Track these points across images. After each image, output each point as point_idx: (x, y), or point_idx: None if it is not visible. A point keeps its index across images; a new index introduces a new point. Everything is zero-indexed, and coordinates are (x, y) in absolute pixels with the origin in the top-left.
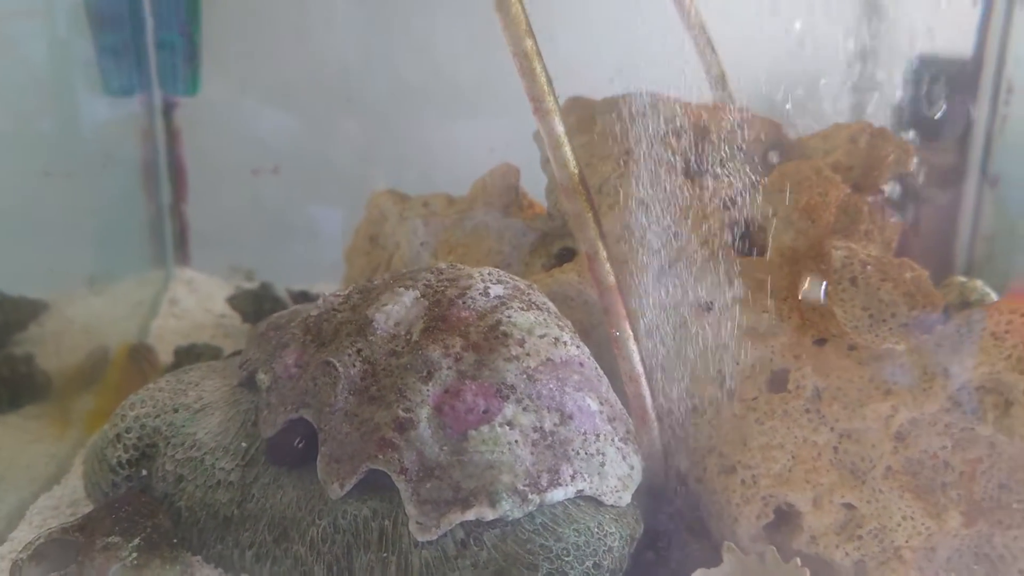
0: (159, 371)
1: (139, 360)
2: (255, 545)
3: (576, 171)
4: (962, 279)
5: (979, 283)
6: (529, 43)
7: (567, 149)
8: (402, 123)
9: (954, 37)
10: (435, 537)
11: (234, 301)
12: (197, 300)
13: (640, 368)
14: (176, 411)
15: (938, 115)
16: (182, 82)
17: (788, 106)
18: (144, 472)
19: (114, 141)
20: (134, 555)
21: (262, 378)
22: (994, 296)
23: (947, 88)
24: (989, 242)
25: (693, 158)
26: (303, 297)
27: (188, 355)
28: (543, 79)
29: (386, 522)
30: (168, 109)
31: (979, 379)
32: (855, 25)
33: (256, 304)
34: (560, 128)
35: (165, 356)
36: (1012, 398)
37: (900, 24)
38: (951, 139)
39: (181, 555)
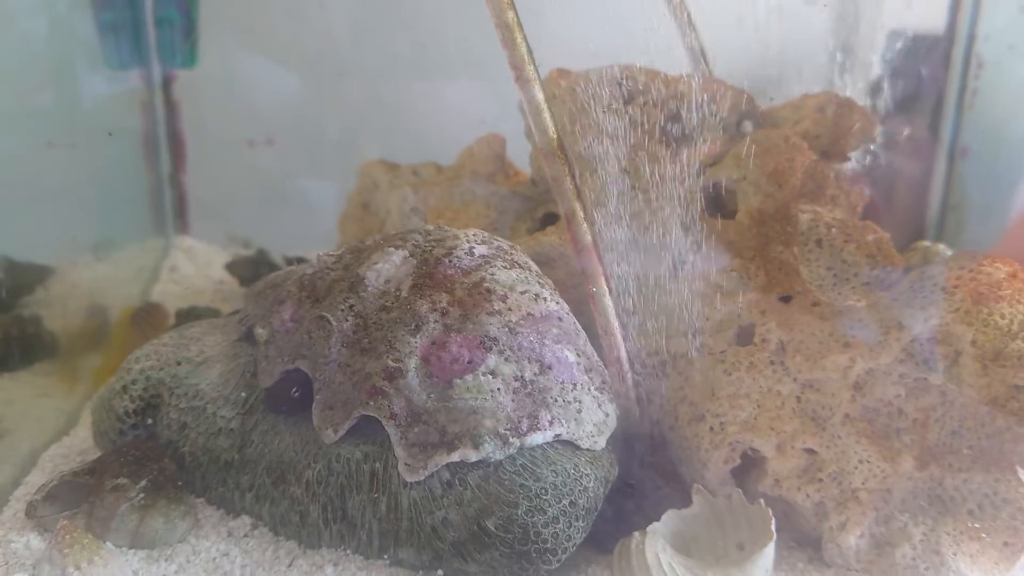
0: (165, 329)
1: (144, 319)
2: (254, 488)
3: (555, 136)
4: (927, 243)
5: (941, 247)
6: (510, 14)
7: (546, 115)
8: (393, 94)
9: (928, 13)
10: (422, 478)
11: (232, 267)
12: (196, 267)
13: (615, 322)
14: (179, 364)
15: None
16: (180, 56)
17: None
18: (150, 421)
19: (115, 114)
20: (141, 495)
21: (260, 332)
22: None
23: (920, 62)
24: (957, 212)
25: (670, 126)
26: (299, 263)
27: (188, 317)
28: (523, 49)
29: (377, 464)
30: (167, 82)
31: (930, 331)
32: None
33: (253, 270)
34: (540, 95)
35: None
36: (960, 348)
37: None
38: (923, 112)
39: (185, 497)
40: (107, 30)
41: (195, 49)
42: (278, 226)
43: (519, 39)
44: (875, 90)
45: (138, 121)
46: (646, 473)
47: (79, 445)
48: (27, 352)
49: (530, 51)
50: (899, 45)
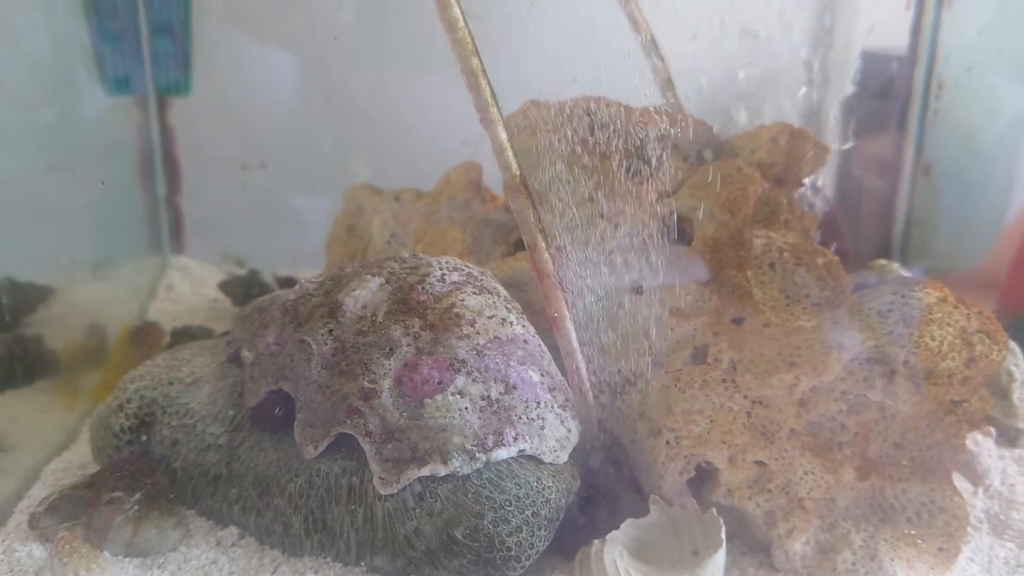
0: (162, 347)
1: (142, 338)
2: (241, 500)
3: (518, 172)
4: (883, 262)
5: (896, 265)
6: (475, 61)
7: (509, 153)
8: (381, 119)
9: (892, 35)
10: (396, 491)
11: (225, 286)
12: (191, 285)
13: (576, 344)
14: (171, 384)
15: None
16: (175, 84)
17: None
18: (144, 437)
19: (113, 138)
20: (135, 508)
21: (246, 355)
22: (909, 276)
23: (887, 82)
24: (921, 227)
25: (633, 155)
26: (289, 283)
27: (183, 336)
28: (487, 93)
29: (354, 478)
30: (162, 108)
31: (867, 352)
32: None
33: (245, 289)
34: (503, 135)
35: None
36: (895, 368)
37: (848, 23)
38: (889, 131)
39: (177, 508)
40: (105, 58)
41: (189, 77)
42: (272, 245)
43: (483, 84)
44: (847, 108)
45: (134, 145)
46: (607, 484)
47: (79, 459)
48: (29, 370)
49: (493, 94)
50: (869, 65)
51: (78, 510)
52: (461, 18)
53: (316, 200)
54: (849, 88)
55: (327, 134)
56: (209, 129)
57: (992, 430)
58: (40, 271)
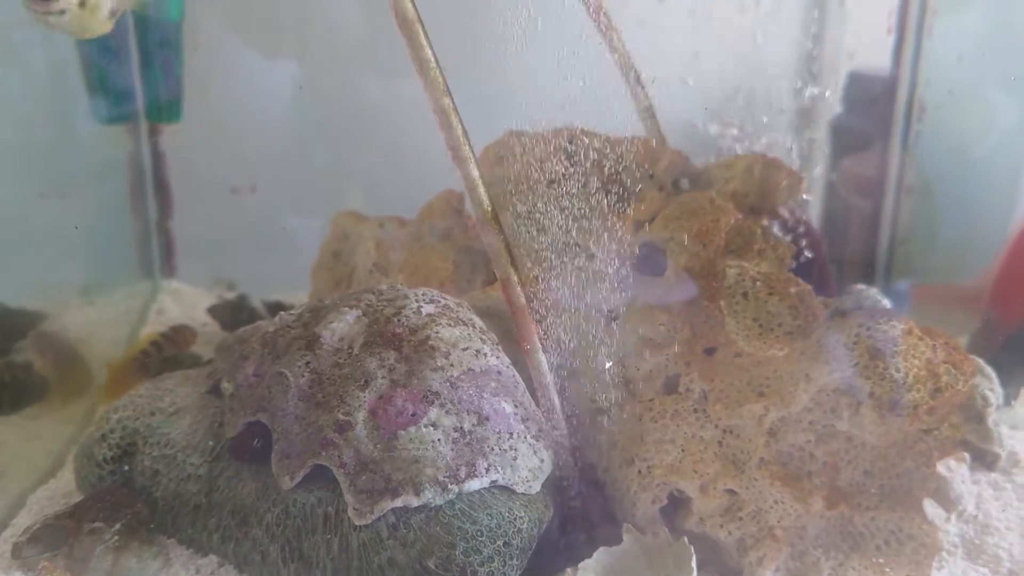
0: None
1: (174, 342)
2: (220, 529)
3: (490, 208)
4: (860, 286)
5: (873, 291)
6: (447, 101)
7: (481, 190)
8: (373, 142)
9: (875, 58)
10: (370, 521)
11: (214, 311)
12: (182, 309)
13: (548, 376)
14: (153, 414)
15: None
16: (165, 112)
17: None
18: (126, 467)
19: (104, 165)
20: (116, 538)
21: (226, 386)
22: (886, 303)
23: (873, 103)
24: (905, 246)
25: (610, 185)
26: (278, 307)
27: (171, 362)
28: (459, 131)
29: (329, 508)
30: (153, 134)
31: (834, 383)
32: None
33: (234, 314)
34: (475, 172)
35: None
36: (860, 399)
37: (834, 46)
38: (873, 151)
39: (157, 538)
40: (96, 87)
41: (180, 106)
42: (263, 268)
43: (455, 122)
44: (836, 129)
45: (125, 171)
46: (580, 513)
47: (64, 487)
48: (18, 397)
49: (465, 132)
50: (855, 85)
51: (60, 540)
52: (433, 59)
53: (307, 224)
54: (837, 108)
55: (318, 158)
56: (200, 154)
57: (966, 455)
58: (31, 296)
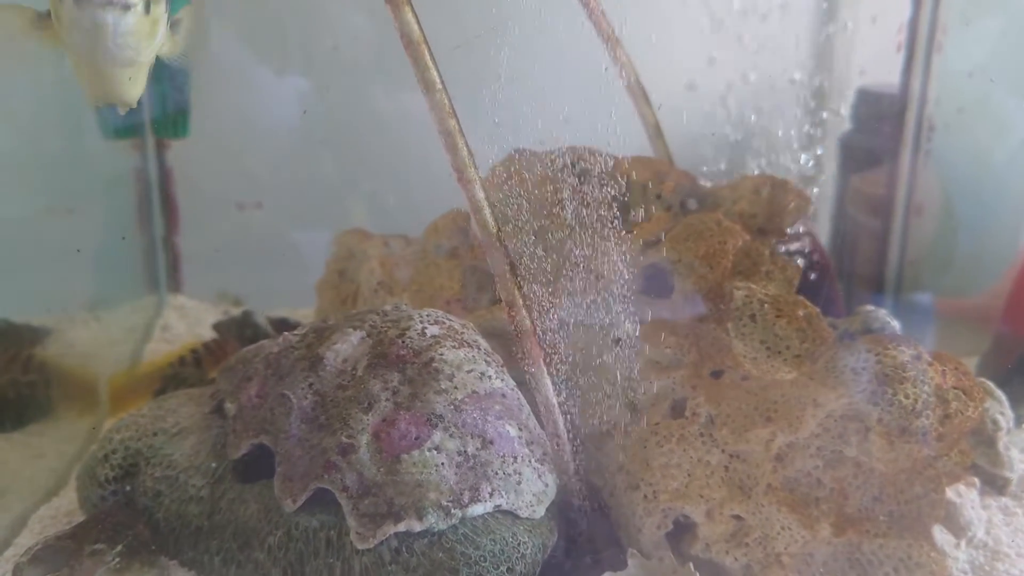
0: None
1: (212, 356)
2: (222, 552)
3: (495, 230)
4: (869, 308)
5: (882, 312)
6: (452, 123)
7: (487, 212)
8: (378, 158)
9: (885, 76)
10: (372, 545)
11: (219, 327)
12: (187, 325)
13: (553, 400)
14: (155, 435)
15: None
16: (172, 127)
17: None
18: (128, 487)
19: (110, 180)
20: (117, 560)
21: (229, 407)
22: (895, 325)
23: (881, 120)
24: (914, 266)
25: (617, 206)
26: (283, 323)
27: (175, 380)
28: (464, 153)
29: (332, 532)
30: (160, 150)
31: (841, 409)
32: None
33: (238, 330)
34: (481, 194)
35: None
36: (869, 425)
37: (844, 63)
38: (882, 171)
39: (158, 560)
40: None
41: (187, 121)
42: (269, 284)
43: (460, 144)
44: (845, 146)
45: (132, 186)
46: (586, 538)
47: (67, 506)
48: (22, 413)
49: (471, 154)
50: (864, 102)
51: (61, 561)
52: (439, 80)
53: (314, 239)
54: (846, 125)
55: (325, 174)
56: (207, 170)
57: (976, 480)
58: (37, 312)
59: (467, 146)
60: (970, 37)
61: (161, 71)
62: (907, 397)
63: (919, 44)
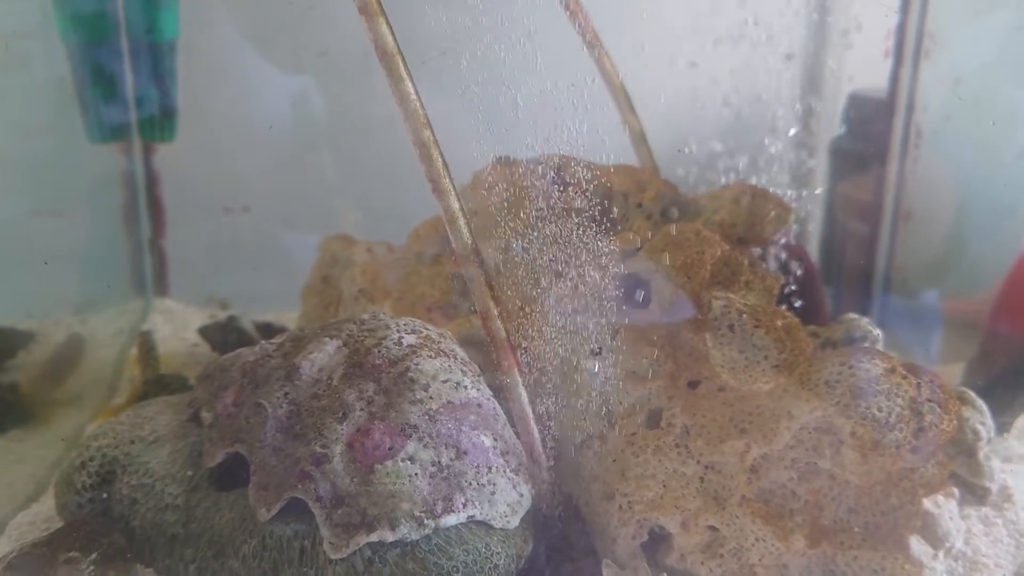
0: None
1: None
2: (197, 560)
3: (470, 241)
4: (852, 316)
5: (865, 321)
6: (427, 133)
7: (462, 223)
8: (366, 163)
9: (873, 81)
10: (345, 555)
11: (204, 332)
12: (173, 329)
13: (528, 410)
14: (133, 443)
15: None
16: (159, 131)
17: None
18: (105, 495)
19: (97, 183)
20: (91, 568)
21: (205, 415)
22: (877, 332)
23: (871, 124)
24: (902, 271)
25: (597, 215)
26: (268, 328)
27: (157, 384)
28: (439, 163)
29: (305, 542)
30: (147, 153)
31: (816, 421)
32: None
33: (223, 335)
34: (456, 205)
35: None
36: (842, 438)
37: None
38: (871, 176)
39: (133, 568)
40: (90, 106)
41: (174, 124)
42: (256, 288)
43: (435, 155)
44: (835, 150)
45: (119, 190)
46: (561, 547)
47: (46, 512)
48: (2, 419)
49: (445, 165)
50: (855, 107)
51: (37, 568)
52: (413, 91)
53: (302, 243)
54: (838, 129)
55: (312, 177)
56: (194, 173)
57: (955, 490)
58: (23, 315)
59: (442, 157)
60: (960, 43)
61: (147, 74)
62: (880, 410)
63: (907, 50)
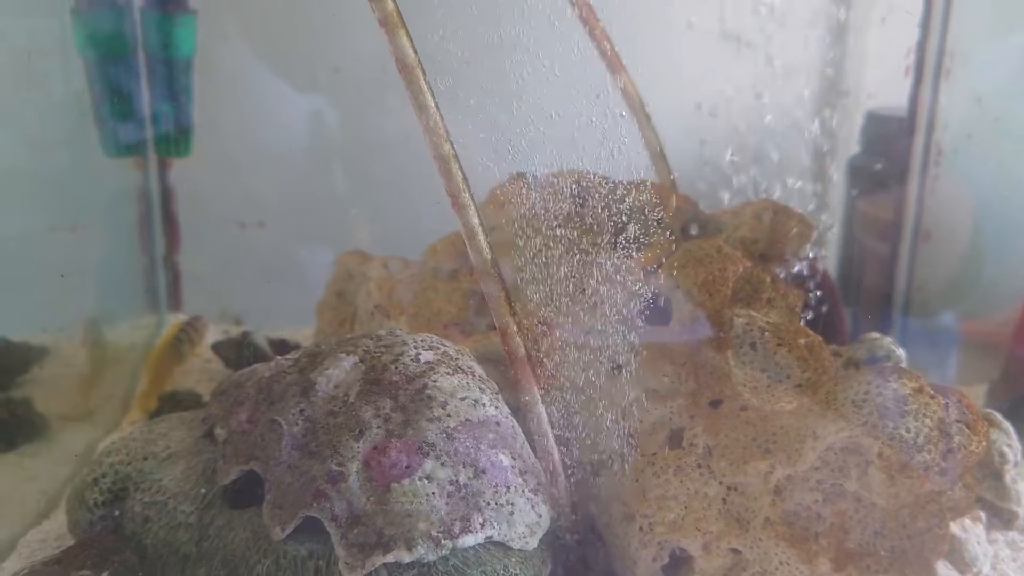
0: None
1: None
2: None
3: (489, 257)
4: (875, 335)
5: (887, 340)
6: (447, 147)
7: (481, 238)
8: (380, 178)
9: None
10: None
11: (218, 348)
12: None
13: (548, 429)
14: (146, 459)
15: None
16: (174, 146)
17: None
18: (117, 512)
19: (112, 198)
20: None
21: (219, 432)
22: (900, 352)
23: (890, 143)
24: (922, 291)
25: (616, 231)
26: (282, 344)
27: (171, 400)
28: (459, 178)
29: (320, 561)
30: (163, 169)
31: (842, 442)
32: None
33: (237, 351)
34: (475, 220)
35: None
36: (869, 459)
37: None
38: (891, 195)
39: None
40: (106, 121)
41: (189, 140)
42: (271, 303)
43: (455, 169)
44: (853, 170)
45: (134, 205)
46: (580, 569)
47: (57, 529)
48: (14, 435)
49: (465, 180)
50: (873, 126)
51: None
52: (433, 104)
53: (317, 258)
54: (856, 148)
55: (327, 193)
56: (209, 189)
57: (982, 514)
58: (37, 330)
59: (462, 171)
60: (981, 62)
61: (163, 89)
62: (908, 431)
63: (927, 68)
